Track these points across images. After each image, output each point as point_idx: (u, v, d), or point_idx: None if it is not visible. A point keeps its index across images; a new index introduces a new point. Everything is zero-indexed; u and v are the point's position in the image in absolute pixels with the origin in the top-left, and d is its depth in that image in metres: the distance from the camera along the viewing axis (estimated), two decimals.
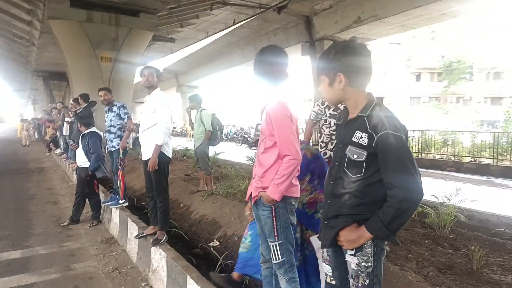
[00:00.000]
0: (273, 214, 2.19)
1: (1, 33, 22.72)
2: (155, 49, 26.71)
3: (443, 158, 13.24)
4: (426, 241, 3.94)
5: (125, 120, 5.29)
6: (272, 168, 2.18)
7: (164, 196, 3.89)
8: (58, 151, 12.86)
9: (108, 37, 15.10)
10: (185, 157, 10.95)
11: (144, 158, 3.91)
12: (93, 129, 5.56)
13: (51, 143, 15.36)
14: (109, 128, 5.28)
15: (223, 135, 29.94)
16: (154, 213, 3.97)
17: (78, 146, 5.62)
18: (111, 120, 5.26)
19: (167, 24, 19.02)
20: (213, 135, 6.18)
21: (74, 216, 5.52)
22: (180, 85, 43.44)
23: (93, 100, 7.53)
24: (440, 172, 11.70)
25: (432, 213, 4.30)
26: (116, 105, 5.36)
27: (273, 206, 2.18)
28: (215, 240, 4.46)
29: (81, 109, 7.16)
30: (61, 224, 5.37)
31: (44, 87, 34.40)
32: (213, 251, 4.10)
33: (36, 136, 24.58)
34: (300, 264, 2.72)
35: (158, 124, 3.70)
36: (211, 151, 7.06)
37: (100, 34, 14.86)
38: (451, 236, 4.10)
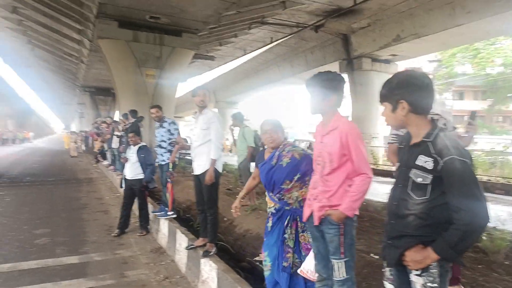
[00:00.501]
0: (341, 232, 2.26)
1: (53, 51, 24.37)
2: (195, 67, 27.60)
3: (490, 180, 12.68)
4: (479, 266, 3.83)
5: (175, 136, 5.58)
6: (341, 188, 2.27)
7: (214, 210, 4.07)
8: (105, 162, 13.50)
9: (152, 55, 15.83)
10: (225, 171, 11.16)
11: (196, 172, 4.11)
12: (142, 143, 5.91)
13: (98, 155, 16.14)
14: (160, 143, 5.58)
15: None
16: (204, 225, 4.14)
17: (127, 159, 5.89)
18: (162, 136, 5.57)
19: (207, 43, 19.69)
20: (256, 151, 6.34)
21: (123, 227, 5.81)
22: (218, 101, 44.35)
23: (141, 115, 7.95)
24: (488, 194, 11.23)
25: (485, 237, 4.18)
26: (166, 121, 5.68)
27: (342, 224, 2.25)
28: (260, 254, 4.55)
29: (128, 125, 7.58)
30: (112, 235, 5.65)
31: (91, 102, 36.28)
32: (259, 265, 4.19)
33: (84, 148, 25.85)
34: (290, 268, 2.83)
35: (212, 140, 3.93)
36: (254, 167, 7.21)
37: (145, 52, 15.63)
38: (506, 263, 3.97)
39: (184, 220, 5.88)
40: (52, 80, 38.22)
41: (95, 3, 13.19)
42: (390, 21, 15.85)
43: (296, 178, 2.85)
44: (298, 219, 2.87)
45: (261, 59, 27.46)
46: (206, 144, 3.98)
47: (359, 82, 19.68)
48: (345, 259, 2.27)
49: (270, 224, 3.00)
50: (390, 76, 1.85)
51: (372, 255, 3.85)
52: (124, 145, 7.85)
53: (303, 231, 2.87)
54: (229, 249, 4.66)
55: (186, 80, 34.22)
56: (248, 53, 25.74)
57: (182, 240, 4.44)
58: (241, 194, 3.30)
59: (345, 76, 20.43)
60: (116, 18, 14.64)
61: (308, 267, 2.67)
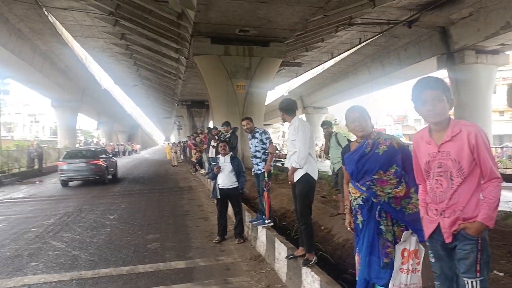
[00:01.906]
0: (479, 248, 2.03)
1: (154, 70, 26.83)
2: (282, 74, 28.00)
3: None
4: None
5: (267, 145, 5.69)
6: (474, 197, 2.05)
7: (306, 219, 4.03)
8: (203, 171, 14.37)
9: (242, 67, 16.46)
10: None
11: (292, 180, 4.14)
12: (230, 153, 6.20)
13: (196, 164, 17.24)
14: (254, 153, 5.74)
15: None
16: (303, 234, 4.12)
17: (220, 168, 6.12)
18: (255, 146, 5.73)
19: (294, 50, 19.82)
20: None
21: (223, 234, 6.08)
22: (305, 107, 44.29)
23: (235, 126, 8.30)
24: None
25: None
26: (258, 132, 5.83)
27: (479, 238, 2.04)
28: None
29: (228, 135, 7.96)
30: (214, 241, 5.94)
31: (187, 114, 39.00)
32: None
33: (182, 158, 27.86)
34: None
35: (297, 152, 3.94)
36: None
37: (235, 65, 16.33)
38: None
39: (280, 228, 5.92)
40: (154, 97, 42.08)
41: (191, 23, 14.19)
42: (497, 7, 14.19)
43: (392, 170, 2.60)
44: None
45: (349, 61, 26.71)
46: (294, 156, 4.01)
47: (462, 77, 17.89)
48: (480, 278, 2.02)
49: (360, 219, 2.71)
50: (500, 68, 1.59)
51: (495, 272, 3.43)
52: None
53: (394, 225, 2.62)
54: (329, 259, 4.55)
55: (274, 88, 34.91)
56: (335, 57, 25.29)
57: (281, 249, 4.46)
58: (347, 208, 3.00)
59: (443, 72, 18.87)
60: (209, 35, 15.57)
61: (400, 282, 2.46)
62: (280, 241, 4.56)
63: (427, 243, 2.29)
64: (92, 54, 25.73)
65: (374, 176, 2.64)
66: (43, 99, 38.67)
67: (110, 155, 18.25)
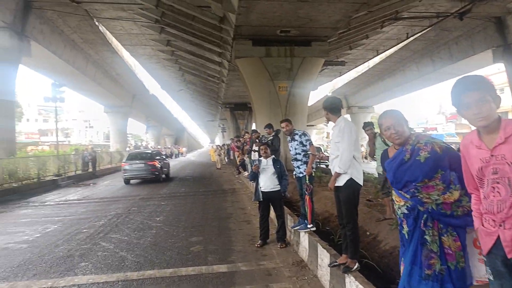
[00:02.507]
0: None
1: (199, 74, 27.42)
2: (325, 74, 27.50)
3: None
4: None
5: (307, 147, 5.54)
6: None
7: (353, 225, 3.85)
8: (246, 173, 14.42)
9: (284, 68, 16.34)
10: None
11: (336, 184, 3.99)
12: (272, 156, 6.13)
13: (240, 167, 17.35)
14: (295, 156, 5.61)
15: None
16: (346, 241, 3.95)
17: (259, 167, 6.06)
18: (295, 149, 5.60)
19: (337, 48, 19.39)
20: None
21: (265, 238, 6.01)
22: (350, 106, 43.28)
23: (278, 128, 8.20)
24: None
25: None
26: (297, 134, 5.69)
27: None
28: None
29: (270, 138, 7.91)
30: (256, 245, 5.89)
31: (231, 117, 39.52)
32: None
33: (226, 160, 28.22)
34: (438, 276, 2.31)
35: (340, 156, 3.77)
36: None
37: (277, 66, 16.24)
38: None
39: (324, 233, 5.74)
40: (199, 100, 43.06)
41: (232, 26, 14.33)
42: None
43: (438, 175, 2.37)
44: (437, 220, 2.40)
45: (396, 57, 25.69)
46: (337, 159, 3.84)
47: None
48: None
49: (406, 229, 2.51)
50: None
51: None
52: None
53: (443, 234, 2.38)
54: (375, 268, 4.32)
55: (316, 88, 34.44)
56: (380, 53, 24.46)
57: (324, 255, 4.31)
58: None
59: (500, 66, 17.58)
60: (250, 37, 15.63)
61: (484, 273, 2.20)
62: (323, 247, 4.41)
63: (485, 259, 2.03)
64: (140, 61, 26.79)
65: (418, 184, 2.43)
66: (96, 105, 40.85)
67: (164, 157, 20.23)
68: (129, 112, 40.11)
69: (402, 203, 2.54)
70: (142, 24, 17.86)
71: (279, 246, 5.77)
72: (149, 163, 16.75)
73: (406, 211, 2.51)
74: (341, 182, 3.86)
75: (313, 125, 63.96)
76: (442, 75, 25.45)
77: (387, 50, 23.41)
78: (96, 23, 18.88)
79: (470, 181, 2.06)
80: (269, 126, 8.31)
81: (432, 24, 17.72)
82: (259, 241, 5.96)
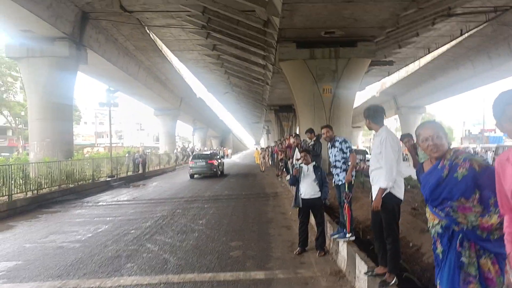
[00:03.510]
0: None
1: (243, 77, 27.77)
2: (372, 74, 26.74)
3: None
4: None
5: (348, 154, 5.43)
6: None
7: (393, 238, 3.73)
8: (288, 177, 14.39)
9: (328, 70, 16.11)
10: (409, 186, 10.21)
11: (374, 198, 3.89)
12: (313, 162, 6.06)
13: (282, 169, 17.34)
14: (334, 163, 5.53)
15: None
16: (382, 252, 3.84)
17: (298, 170, 6.03)
18: (335, 156, 5.51)
19: (385, 47, 18.78)
20: None
21: (304, 245, 5.96)
22: (399, 107, 41.69)
23: (319, 133, 8.12)
24: None
25: None
26: (337, 141, 5.60)
27: None
28: None
29: (311, 143, 7.85)
30: (294, 252, 5.87)
31: (275, 119, 39.63)
32: None
33: (270, 163, 28.30)
34: None
35: (383, 167, 3.64)
36: None
37: (321, 68, 16.04)
38: None
39: (364, 242, 5.59)
40: (244, 102, 43.59)
41: (276, 29, 14.37)
42: None
43: (476, 196, 2.23)
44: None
45: (449, 55, 24.38)
46: (379, 170, 3.71)
47: None
48: None
49: (440, 249, 2.39)
50: None
51: None
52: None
53: (480, 256, 2.22)
54: (415, 283, 4.14)
55: (364, 89, 33.49)
56: (432, 51, 23.35)
57: (362, 267, 4.20)
58: None
59: None
60: (294, 40, 15.59)
61: None
62: (361, 258, 4.30)
63: None
64: (188, 66, 27.66)
65: (454, 203, 2.30)
66: (147, 108, 42.71)
67: (220, 157, 25.20)
68: (177, 115, 41.50)
69: (436, 221, 2.41)
70: (189, 30, 18.44)
71: (317, 254, 5.70)
72: (209, 161, 21.21)
73: (440, 230, 2.38)
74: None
75: (359, 127, 62.31)
76: (500, 72, 23.82)
77: (439, 47, 22.29)
78: (147, 31, 19.76)
79: (504, 201, 1.90)
80: (310, 130, 8.25)
81: (489, 19, 16.63)
82: (298, 248, 5.93)
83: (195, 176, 21.13)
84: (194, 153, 25.96)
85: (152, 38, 20.85)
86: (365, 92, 42.90)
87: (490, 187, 2.13)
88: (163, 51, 23.55)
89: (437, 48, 22.23)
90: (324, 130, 5.79)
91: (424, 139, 2.44)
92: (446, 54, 23.93)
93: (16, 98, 41.24)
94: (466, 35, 19.34)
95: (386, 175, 3.65)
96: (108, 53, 20.12)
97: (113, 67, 21.48)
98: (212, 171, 21.08)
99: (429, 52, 23.23)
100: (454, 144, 51.51)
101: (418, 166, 2.68)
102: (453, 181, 2.30)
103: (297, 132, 19.45)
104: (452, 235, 2.32)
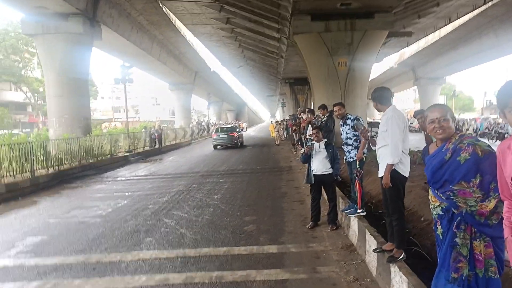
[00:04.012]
0: None
1: (258, 51, 27.45)
2: (390, 45, 26.02)
3: None
4: None
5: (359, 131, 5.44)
6: None
7: (398, 215, 3.81)
8: (303, 151, 14.46)
9: (343, 42, 15.80)
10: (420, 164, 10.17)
11: (379, 175, 3.96)
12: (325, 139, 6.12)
13: (297, 144, 17.40)
14: (346, 141, 5.56)
15: (473, 130, 26.06)
16: (391, 229, 3.92)
17: (311, 148, 6.11)
18: (346, 133, 5.54)
19: (403, 18, 18.22)
20: None
21: (316, 219, 6.10)
22: (418, 78, 40.76)
23: (332, 109, 8.08)
24: None
25: None
26: (350, 118, 5.61)
27: None
28: None
29: (324, 119, 7.84)
30: (307, 226, 6.02)
31: (290, 92, 39.34)
32: None
33: (285, 136, 28.36)
34: (465, 282, 2.29)
35: (389, 144, 3.68)
36: None
37: (336, 41, 15.74)
38: None
39: (375, 217, 5.68)
40: (259, 76, 43.26)
41: (290, 2, 14.08)
42: None
43: (476, 181, 2.27)
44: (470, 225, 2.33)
45: (471, 25, 23.51)
46: (385, 147, 3.76)
47: None
48: None
49: (440, 230, 2.49)
50: None
51: None
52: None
53: (475, 238, 2.32)
54: (426, 257, 4.23)
55: (381, 60, 32.75)
56: (453, 21, 22.52)
57: (372, 242, 4.31)
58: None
59: None
60: (309, 12, 15.27)
61: None
62: (371, 234, 4.40)
63: None
64: (201, 40, 27.44)
65: (455, 187, 2.35)
66: (163, 83, 42.87)
67: (240, 130, 27.62)
68: (191, 89, 41.59)
69: (437, 204, 2.50)
70: (202, 3, 18.20)
71: (329, 229, 5.84)
72: (230, 134, 23.51)
73: (440, 212, 2.47)
74: (384, 171, 3.81)
75: None
76: None
77: (461, 17, 21.46)
78: (160, 5, 19.60)
79: (505, 188, 1.95)
80: (323, 106, 8.22)
81: None
82: (310, 223, 6.07)
83: (218, 147, 23.34)
84: (216, 127, 28.15)
85: (165, 12, 20.68)
86: (382, 63, 41.94)
87: (492, 173, 2.17)
88: (176, 25, 23.39)
89: (458, 18, 21.44)
90: (336, 108, 5.80)
91: (431, 120, 2.48)
92: (468, 24, 23.09)
93: (34, 74, 41.85)
94: (490, 4, 18.56)
95: (392, 151, 3.71)
96: (122, 28, 20.11)
97: (127, 42, 21.51)
98: (233, 143, 23.22)
99: (450, 22, 22.43)
100: (475, 115, 50.29)
101: (424, 148, 2.72)
102: (455, 164, 2.34)
103: (311, 107, 19.34)
104: (451, 217, 2.40)
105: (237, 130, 25.62)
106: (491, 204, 2.25)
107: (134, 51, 24.15)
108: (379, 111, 4.07)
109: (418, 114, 5.96)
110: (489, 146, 2.33)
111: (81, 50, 17.10)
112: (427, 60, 35.15)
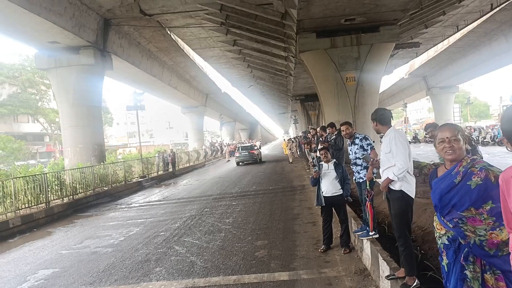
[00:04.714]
0: None
1: (266, 70, 27.64)
2: (399, 56, 25.97)
3: None
4: None
5: (369, 151, 5.32)
6: None
7: (404, 239, 3.66)
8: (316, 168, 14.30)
9: (350, 57, 15.76)
10: (434, 167, 9.90)
11: (385, 195, 3.85)
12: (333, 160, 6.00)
13: (310, 162, 17.23)
14: (355, 161, 5.44)
15: (490, 138, 25.29)
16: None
17: (319, 173, 5.98)
18: (355, 153, 5.42)
19: (409, 29, 18.13)
20: (477, 154, 5.37)
21: (328, 242, 5.94)
22: (430, 88, 40.32)
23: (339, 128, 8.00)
24: None
25: None
26: (358, 138, 5.50)
27: None
28: None
29: (333, 137, 7.74)
30: (320, 250, 5.85)
31: (301, 108, 39.34)
32: None
33: (298, 153, 28.19)
34: None
35: (397, 163, 3.59)
36: None
37: (343, 56, 15.72)
38: None
39: (390, 238, 5.49)
40: (269, 94, 43.46)
41: (294, 21, 14.18)
42: None
43: (487, 207, 2.12)
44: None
45: (480, 31, 23.28)
46: (391, 169, 3.65)
47: None
48: None
49: (446, 261, 2.32)
50: None
51: None
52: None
53: (485, 271, 2.14)
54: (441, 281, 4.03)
55: (391, 72, 32.55)
56: (461, 29, 22.34)
57: (385, 267, 4.14)
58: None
59: None
60: (314, 30, 15.33)
61: None
62: (383, 259, 4.23)
63: None
64: (210, 62, 27.83)
65: (463, 214, 2.20)
66: (175, 106, 43.51)
67: (258, 148, 31.76)
68: (203, 111, 42.04)
69: (443, 232, 2.34)
70: (209, 28, 18.52)
71: (342, 252, 5.67)
72: (250, 152, 27.53)
73: (446, 242, 2.31)
74: (392, 193, 3.70)
75: (389, 110, 60.60)
76: None
77: (469, 24, 21.28)
78: (168, 32, 20.02)
79: (510, 219, 1.81)
80: (331, 125, 8.13)
81: None
82: (323, 246, 5.91)
83: (240, 163, 27.09)
84: (239, 146, 32.18)
85: (173, 38, 21.11)
86: (393, 75, 41.72)
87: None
88: (185, 50, 23.82)
89: (466, 25, 21.26)
90: (343, 127, 5.70)
91: (441, 140, 2.33)
92: (476, 31, 22.87)
93: (50, 105, 43.06)
94: (498, 9, 18.36)
95: (399, 168, 3.62)
96: (132, 57, 20.57)
97: (138, 69, 21.96)
98: (253, 159, 27.10)
99: (458, 30, 22.26)
100: (491, 121, 49.22)
101: (432, 170, 2.59)
102: (466, 189, 2.19)
103: (322, 123, 19.23)
104: (458, 248, 2.25)
105: (255, 148, 29.24)
106: (503, 234, 2.09)
107: (145, 78, 24.63)
108: (378, 132, 4.00)
109: (429, 128, 5.84)
110: (500, 171, 2.20)
111: (93, 81, 17.52)
112: (438, 69, 34.81)
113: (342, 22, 14.69)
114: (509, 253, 2.04)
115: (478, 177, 2.16)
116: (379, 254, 4.41)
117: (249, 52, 22.51)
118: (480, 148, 8.32)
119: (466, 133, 5.41)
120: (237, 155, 27.50)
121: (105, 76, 19.14)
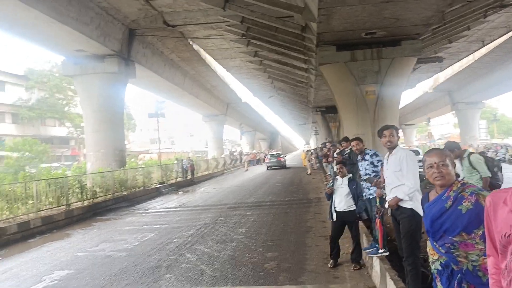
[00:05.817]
0: None
1: (287, 81, 27.77)
2: (422, 70, 25.58)
3: None
4: None
5: (379, 168, 5.30)
6: None
7: (413, 259, 3.64)
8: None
9: (370, 71, 15.66)
10: None
11: (391, 213, 3.84)
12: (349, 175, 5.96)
13: (328, 174, 17.14)
14: (364, 177, 5.42)
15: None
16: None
17: (333, 190, 5.96)
18: (365, 169, 5.41)
19: (433, 43, 17.93)
20: (494, 180, 5.27)
21: (336, 257, 5.89)
22: (455, 103, 39.47)
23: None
24: None
25: None
26: (368, 154, 5.49)
27: None
28: None
29: (347, 151, 7.71)
30: (329, 265, 5.82)
31: (322, 120, 39.14)
32: None
33: (317, 165, 28.01)
34: None
35: (406, 184, 3.57)
36: None
37: (363, 70, 15.63)
38: None
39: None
40: (290, 105, 43.50)
41: (314, 34, 14.26)
42: None
43: (478, 232, 2.09)
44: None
45: (507, 46, 22.73)
46: (400, 188, 3.65)
47: None
48: None
49: (440, 287, 2.30)
50: None
51: None
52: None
53: None
54: None
55: (414, 86, 32.06)
56: (487, 44, 21.90)
57: (392, 286, 4.09)
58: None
59: None
60: (334, 43, 15.35)
61: None
62: (391, 277, 4.19)
63: None
64: (232, 73, 28.21)
65: (455, 239, 2.19)
66: (196, 114, 44.21)
67: (284, 156, 39.58)
68: (224, 120, 42.45)
69: (436, 257, 2.33)
70: (230, 39, 18.83)
71: (352, 268, 5.61)
72: (278, 159, 34.17)
73: (439, 268, 2.30)
74: (401, 211, 3.68)
75: (413, 124, 59.70)
76: None
77: (495, 39, 20.86)
78: (190, 43, 20.46)
79: (490, 243, 1.72)
80: (345, 139, 8.12)
81: None
82: (331, 261, 5.87)
83: (268, 168, 33.26)
84: (270, 154, 38.46)
85: (195, 49, 21.54)
86: (416, 89, 41.10)
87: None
88: (206, 61, 24.24)
89: (492, 41, 20.85)
90: (353, 143, 5.71)
91: (429, 165, 2.33)
92: (503, 46, 22.36)
93: (76, 110, 44.45)
94: None
95: (410, 188, 3.64)
96: (155, 66, 21.09)
97: (160, 78, 22.48)
98: (280, 165, 33.73)
99: (483, 45, 21.83)
100: None
101: (424, 194, 2.59)
102: (456, 213, 2.19)
103: (342, 135, 19.11)
104: (451, 274, 2.23)
105: (282, 155, 36.61)
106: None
107: (168, 86, 25.17)
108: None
109: (447, 147, 5.77)
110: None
111: (116, 88, 18.05)
112: (463, 84, 34.09)
113: (363, 36, 14.66)
114: None
115: (468, 202, 2.16)
116: (387, 273, 4.37)
117: (270, 63, 22.71)
118: (507, 166, 8.08)
119: (485, 156, 5.28)
120: (267, 161, 34.36)
121: (129, 83, 19.67)
